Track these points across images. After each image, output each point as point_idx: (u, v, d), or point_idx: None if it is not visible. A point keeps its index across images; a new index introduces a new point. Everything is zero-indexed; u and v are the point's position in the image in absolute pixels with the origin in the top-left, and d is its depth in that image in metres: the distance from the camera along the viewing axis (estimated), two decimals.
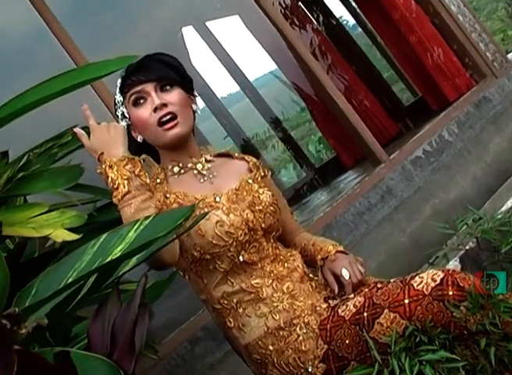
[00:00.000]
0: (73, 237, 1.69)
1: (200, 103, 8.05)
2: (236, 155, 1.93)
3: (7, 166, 2.04)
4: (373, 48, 5.72)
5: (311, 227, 3.46)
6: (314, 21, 5.57)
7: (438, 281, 1.53)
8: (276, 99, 6.63)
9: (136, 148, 1.78)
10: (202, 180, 1.78)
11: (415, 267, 3.08)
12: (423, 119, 4.52)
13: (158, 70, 1.76)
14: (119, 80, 1.79)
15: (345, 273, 1.71)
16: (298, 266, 1.77)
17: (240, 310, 1.69)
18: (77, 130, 1.69)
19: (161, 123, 1.73)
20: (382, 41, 4.92)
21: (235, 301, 1.70)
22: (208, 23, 6.97)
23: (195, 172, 1.79)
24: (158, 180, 1.77)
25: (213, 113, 7.91)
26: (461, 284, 1.51)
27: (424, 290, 1.53)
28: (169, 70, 1.78)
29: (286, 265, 1.75)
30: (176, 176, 1.79)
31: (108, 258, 1.29)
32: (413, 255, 3.44)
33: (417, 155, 3.76)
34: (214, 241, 1.66)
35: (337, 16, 5.68)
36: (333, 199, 3.97)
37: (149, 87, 1.74)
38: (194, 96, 1.85)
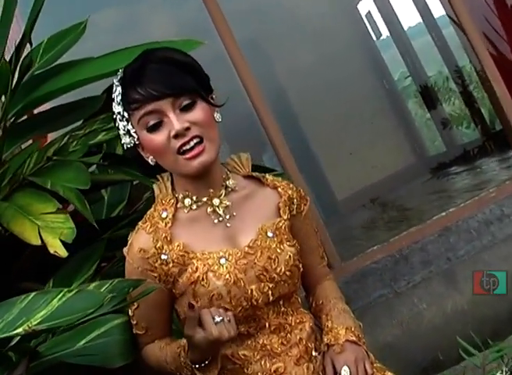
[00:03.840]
0: (63, 253, 1.57)
1: (384, 32, 7.56)
2: (269, 180, 1.55)
3: (49, 145, 1.94)
4: None
5: (426, 227, 3.10)
6: None
7: None
8: (459, 47, 5.89)
9: (145, 169, 1.50)
10: (216, 221, 1.46)
11: None
12: None
13: (173, 80, 1.38)
14: (118, 89, 1.43)
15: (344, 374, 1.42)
16: (301, 340, 1.48)
17: None
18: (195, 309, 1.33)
19: (182, 151, 1.39)
20: None
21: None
22: None
23: (209, 210, 1.47)
24: (164, 215, 1.46)
25: (395, 44, 7.35)
26: None
27: None
28: (187, 77, 1.40)
29: (287, 336, 1.47)
30: (186, 211, 1.47)
31: (25, 326, 1.15)
32: None
33: None
34: None
35: None
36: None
37: (165, 106, 1.37)
38: (215, 105, 1.46)
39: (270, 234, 1.48)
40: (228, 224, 1.47)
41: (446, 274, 3.04)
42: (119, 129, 1.45)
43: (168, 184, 1.50)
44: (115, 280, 1.32)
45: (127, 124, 1.42)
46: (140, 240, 1.44)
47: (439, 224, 3.09)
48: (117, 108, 1.43)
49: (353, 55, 7.02)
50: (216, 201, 1.47)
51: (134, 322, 1.48)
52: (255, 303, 1.42)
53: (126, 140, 1.45)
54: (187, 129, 1.37)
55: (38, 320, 1.14)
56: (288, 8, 6.43)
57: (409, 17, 7.48)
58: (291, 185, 1.58)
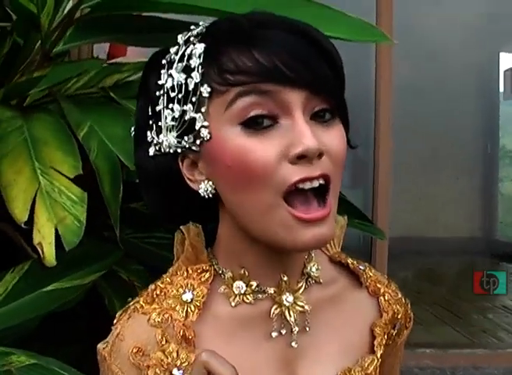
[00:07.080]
0: (49, 258, 0.96)
1: None
2: (371, 279, 0.89)
3: (112, 68, 1.33)
4: None
5: (494, 357, 2.50)
6: None
7: None
8: None
9: (172, 204, 0.81)
10: (276, 335, 0.80)
11: None
12: None
13: (314, 65, 0.72)
14: (198, 45, 0.74)
15: None
16: None
17: None
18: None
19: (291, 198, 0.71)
20: None
21: None
22: None
23: (275, 310, 0.80)
24: (188, 297, 0.78)
25: None
26: None
27: None
28: (328, 70, 0.73)
29: None
30: (233, 304, 0.79)
31: None
32: None
33: None
34: None
35: None
36: None
37: (294, 99, 0.71)
38: (347, 131, 0.80)
39: None
40: (293, 343, 0.81)
41: None
42: (155, 115, 0.76)
43: (201, 245, 0.81)
44: None
45: (193, 109, 0.73)
46: (137, 332, 0.78)
47: (510, 360, 2.49)
48: (179, 76, 0.74)
49: (469, 104, 6.46)
50: (288, 299, 0.80)
51: None
52: None
53: (169, 139, 0.75)
54: (320, 155, 0.71)
55: None
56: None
57: None
58: (399, 294, 0.91)
